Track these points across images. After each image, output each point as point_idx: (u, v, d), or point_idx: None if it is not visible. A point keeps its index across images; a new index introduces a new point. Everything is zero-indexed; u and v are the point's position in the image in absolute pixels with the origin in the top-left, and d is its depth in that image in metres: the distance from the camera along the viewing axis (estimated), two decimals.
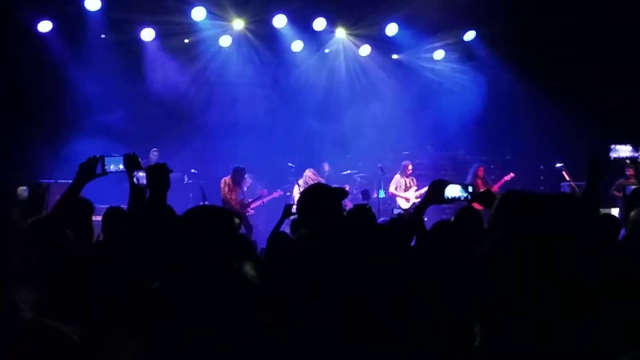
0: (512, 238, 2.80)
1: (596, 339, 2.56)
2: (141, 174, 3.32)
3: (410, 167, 11.60)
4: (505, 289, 2.60)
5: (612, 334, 2.55)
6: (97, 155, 3.64)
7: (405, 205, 11.35)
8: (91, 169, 3.62)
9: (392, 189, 11.61)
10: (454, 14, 11.83)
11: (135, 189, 3.36)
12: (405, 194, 11.49)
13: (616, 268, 3.00)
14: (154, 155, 11.12)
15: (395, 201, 11.55)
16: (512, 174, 11.52)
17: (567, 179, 11.19)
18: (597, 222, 3.40)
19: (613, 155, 3.32)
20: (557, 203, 3.01)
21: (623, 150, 3.33)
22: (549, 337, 2.56)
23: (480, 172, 11.41)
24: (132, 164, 3.48)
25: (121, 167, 3.61)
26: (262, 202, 11.16)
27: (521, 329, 2.55)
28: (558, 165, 11.33)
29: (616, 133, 9.86)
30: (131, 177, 3.39)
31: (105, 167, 3.64)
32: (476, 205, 10.30)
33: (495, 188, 10.91)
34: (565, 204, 3.36)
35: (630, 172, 10.57)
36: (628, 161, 3.24)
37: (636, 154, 3.25)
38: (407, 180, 11.61)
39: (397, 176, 11.63)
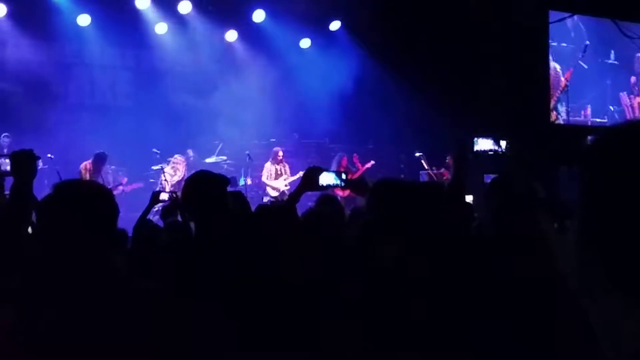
0: (387, 221, 2.94)
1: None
2: (5, 160, 3.10)
3: (280, 153, 11.63)
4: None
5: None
6: None
7: (274, 193, 11.39)
8: None
9: (264, 177, 11.58)
10: (319, 4, 12.03)
11: None
12: (276, 182, 11.52)
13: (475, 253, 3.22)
14: (4, 141, 10.44)
15: (265, 190, 11.57)
16: (372, 162, 11.91)
17: (426, 167, 11.76)
18: (463, 208, 3.61)
19: (476, 147, 3.55)
20: (428, 189, 3.18)
21: (485, 144, 3.57)
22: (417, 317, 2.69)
23: (344, 162, 11.72)
24: None
25: None
26: (123, 191, 10.80)
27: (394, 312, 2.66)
28: (417, 154, 11.87)
29: (472, 125, 10.53)
30: None
31: None
32: (338, 191, 10.52)
33: (356, 175, 11.26)
34: (434, 191, 3.56)
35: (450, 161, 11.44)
36: (491, 152, 3.49)
37: (497, 147, 3.50)
38: (279, 167, 11.58)
39: (268, 164, 11.59)
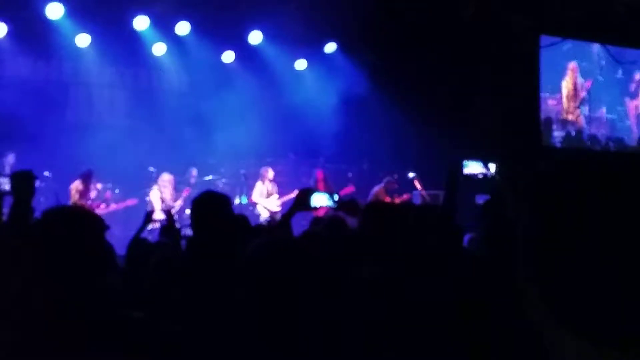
0: (378, 241, 3.02)
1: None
2: (4, 179, 3.18)
3: (268, 173, 11.77)
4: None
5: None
6: None
7: (264, 213, 11.51)
8: None
9: (255, 196, 11.69)
10: (315, 25, 12.18)
11: None
12: (267, 201, 11.62)
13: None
14: (12, 158, 10.49)
15: (256, 209, 11.66)
16: (352, 188, 11.99)
17: (419, 188, 11.83)
18: (452, 229, 3.68)
19: (465, 171, 3.62)
20: (419, 212, 3.26)
21: (474, 167, 3.64)
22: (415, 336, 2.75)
23: (319, 175, 11.87)
24: None
25: None
26: (109, 208, 10.77)
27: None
28: (411, 175, 11.94)
29: (465, 145, 10.63)
30: None
31: None
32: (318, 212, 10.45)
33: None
34: (425, 213, 3.63)
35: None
36: (480, 176, 3.56)
37: (486, 171, 3.57)
38: (269, 187, 11.76)
39: (259, 183, 11.74)
